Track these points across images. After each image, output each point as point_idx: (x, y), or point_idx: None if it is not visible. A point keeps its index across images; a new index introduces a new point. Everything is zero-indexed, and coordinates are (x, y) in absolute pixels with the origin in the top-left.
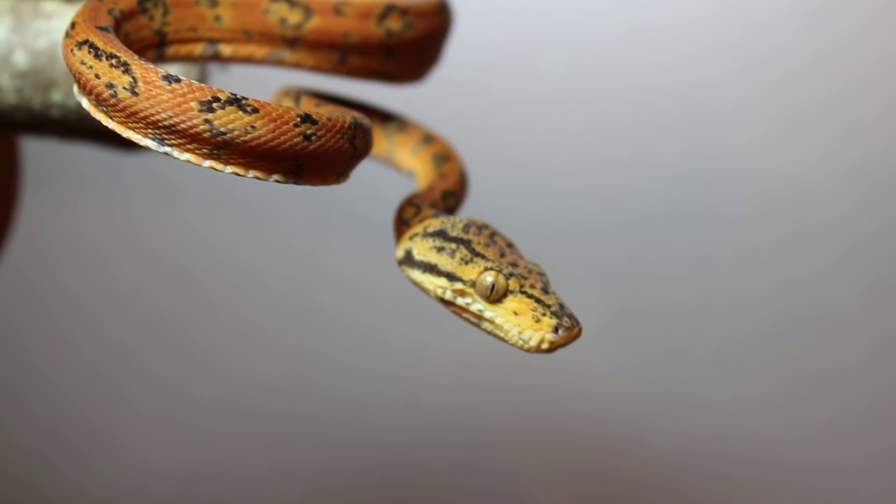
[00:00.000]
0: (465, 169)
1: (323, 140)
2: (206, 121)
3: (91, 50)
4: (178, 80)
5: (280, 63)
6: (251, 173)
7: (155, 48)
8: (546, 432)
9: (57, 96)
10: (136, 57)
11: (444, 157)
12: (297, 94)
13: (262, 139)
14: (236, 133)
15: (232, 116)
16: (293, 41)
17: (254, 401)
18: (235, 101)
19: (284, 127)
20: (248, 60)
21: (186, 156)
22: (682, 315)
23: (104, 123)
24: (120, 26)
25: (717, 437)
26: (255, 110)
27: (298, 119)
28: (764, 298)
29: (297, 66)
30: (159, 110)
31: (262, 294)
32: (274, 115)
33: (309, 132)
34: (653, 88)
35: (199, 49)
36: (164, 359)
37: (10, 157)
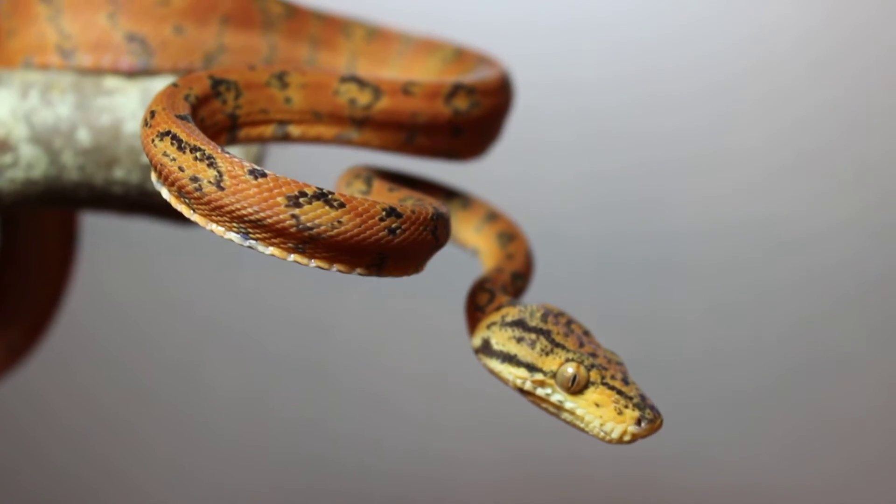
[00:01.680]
0: (531, 248)
1: (407, 233)
2: (293, 216)
3: (174, 142)
4: (264, 175)
5: (348, 143)
6: (335, 267)
7: (227, 131)
8: (554, 485)
9: (119, 173)
10: (220, 150)
11: (510, 236)
12: (368, 177)
13: (349, 234)
14: (323, 228)
15: (318, 211)
16: (362, 121)
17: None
18: (322, 196)
19: (370, 221)
20: (316, 141)
21: (271, 249)
22: (690, 365)
23: (186, 215)
24: (196, 112)
25: (731, 495)
26: (342, 205)
27: (384, 213)
28: (774, 346)
29: (364, 146)
30: (245, 205)
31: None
32: (360, 209)
33: (394, 226)
34: (657, 131)
35: (269, 131)
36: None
37: (67, 227)
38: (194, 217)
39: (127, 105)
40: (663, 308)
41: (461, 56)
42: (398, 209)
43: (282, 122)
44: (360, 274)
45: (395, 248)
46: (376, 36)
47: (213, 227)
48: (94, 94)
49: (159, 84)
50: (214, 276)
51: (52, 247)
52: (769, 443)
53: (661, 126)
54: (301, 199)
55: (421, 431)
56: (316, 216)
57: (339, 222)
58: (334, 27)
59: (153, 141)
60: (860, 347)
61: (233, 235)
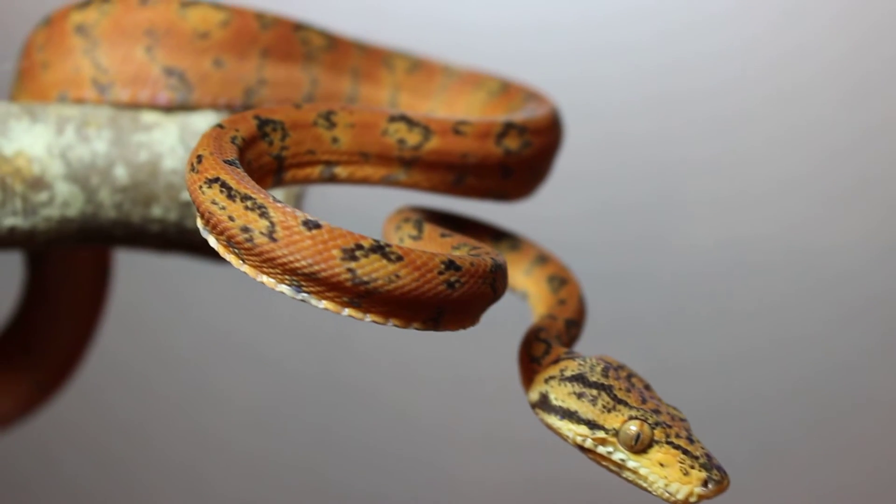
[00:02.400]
0: (583, 293)
1: (466, 287)
2: (349, 270)
3: (223, 189)
4: (318, 226)
5: (395, 185)
6: (390, 322)
7: (274, 174)
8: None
9: (157, 211)
10: (272, 199)
11: (561, 280)
12: (419, 221)
13: (406, 288)
14: (380, 282)
15: (375, 265)
16: (410, 162)
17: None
18: (379, 249)
19: (429, 275)
20: (363, 182)
21: (324, 304)
22: (724, 409)
23: (234, 265)
24: (243, 155)
25: None
26: (399, 258)
27: (443, 266)
28: (808, 385)
29: (412, 187)
30: (299, 258)
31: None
32: (418, 262)
33: (453, 279)
34: (690, 161)
35: (315, 172)
36: None
37: (100, 262)
38: (244, 268)
39: (165, 141)
40: (693, 353)
41: (507, 90)
42: (457, 262)
43: (328, 163)
44: (416, 329)
45: (454, 302)
46: (419, 68)
47: (264, 278)
48: (132, 130)
49: (198, 119)
50: (233, 289)
51: (85, 283)
52: (804, 481)
53: (688, 153)
54: (357, 252)
55: (441, 446)
56: (373, 270)
57: (397, 276)
58: (376, 59)
59: (201, 188)
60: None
61: (284, 288)
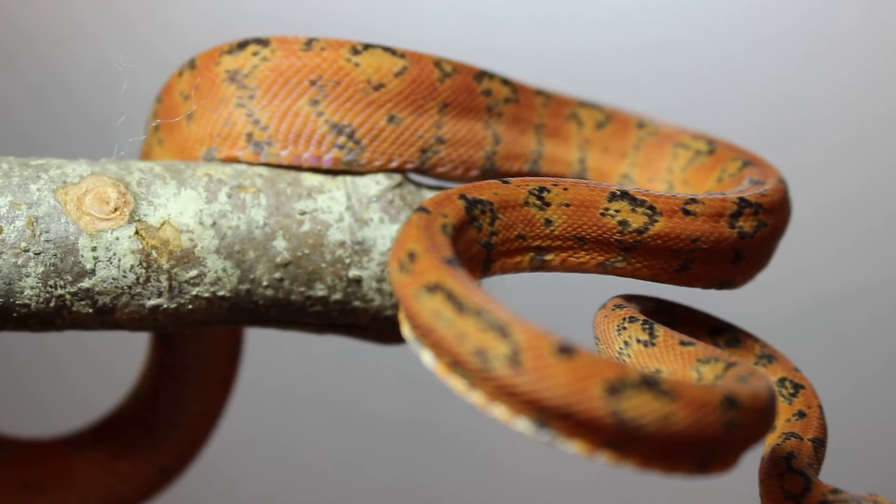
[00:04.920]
0: (819, 398)
1: (747, 426)
2: (612, 408)
3: (450, 301)
4: (574, 354)
5: (611, 272)
6: (651, 469)
7: (482, 265)
8: None
9: (320, 290)
10: (517, 316)
11: (795, 385)
12: (647, 324)
13: (680, 431)
14: (649, 425)
15: (644, 404)
16: (631, 247)
17: None
18: (648, 385)
19: (708, 416)
20: (576, 270)
21: (574, 445)
22: None
23: (458, 392)
24: (453, 245)
25: None
26: (672, 396)
27: (723, 404)
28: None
29: (630, 276)
30: (549, 391)
31: None
32: (695, 401)
33: (734, 419)
34: None
35: (525, 261)
36: None
37: (234, 339)
38: (472, 396)
39: (332, 208)
40: None
41: (715, 151)
42: (739, 399)
43: (539, 250)
44: (679, 476)
45: (729, 443)
46: (610, 122)
47: (498, 410)
48: (293, 196)
49: (368, 182)
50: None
51: (216, 361)
52: None
53: None
54: (621, 388)
55: (532, 493)
56: (641, 410)
57: (671, 418)
58: (562, 111)
59: (417, 296)
60: None
61: (523, 424)
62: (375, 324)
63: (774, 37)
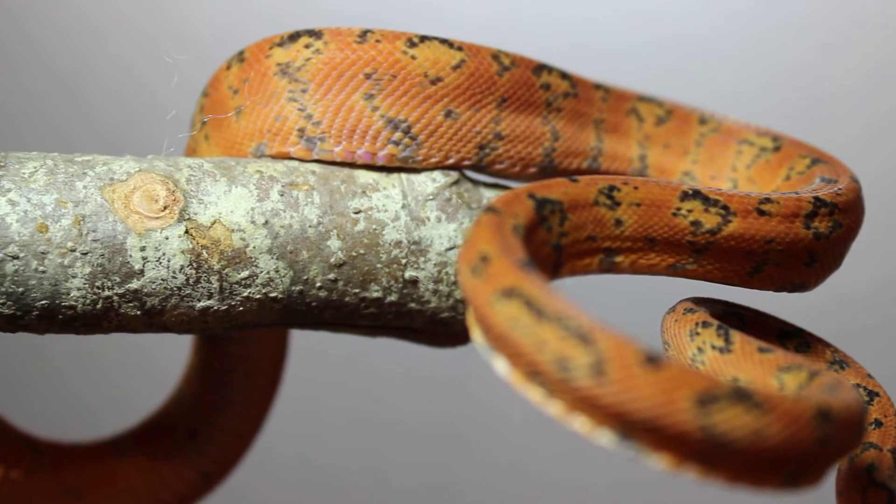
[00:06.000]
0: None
1: (837, 442)
2: (701, 422)
3: (528, 307)
4: (662, 364)
5: (681, 275)
6: (740, 484)
7: (552, 267)
8: None
9: (375, 291)
10: (599, 322)
11: (870, 392)
12: (722, 329)
13: (770, 444)
14: (739, 439)
15: (736, 417)
16: (703, 249)
17: None
18: (740, 398)
19: (802, 431)
20: (645, 272)
21: (660, 459)
22: None
23: (535, 402)
24: (525, 248)
25: None
26: (765, 408)
27: (817, 418)
28: None
29: (700, 278)
30: (635, 403)
31: None
32: (789, 414)
33: (828, 434)
34: None
35: (595, 263)
36: None
37: (280, 342)
38: (551, 407)
39: (388, 206)
40: None
41: (782, 148)
42: (832, 412)
43: (609, 251)
44: (769, 492)
45: (821, 457)
46: (671, 118)
47: (578, 421)
48: (347, 194)
49: (423, 180)
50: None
51: (263, 364)
52: None
53: None
54: (712, 400)
55: (557, 497)
56: (732, 424)
57: (762, 432)
58: (622, 106)
59: (492, 300)
60: None
61: (606, 436)
62: (430, 326)
63: (790, 27)
